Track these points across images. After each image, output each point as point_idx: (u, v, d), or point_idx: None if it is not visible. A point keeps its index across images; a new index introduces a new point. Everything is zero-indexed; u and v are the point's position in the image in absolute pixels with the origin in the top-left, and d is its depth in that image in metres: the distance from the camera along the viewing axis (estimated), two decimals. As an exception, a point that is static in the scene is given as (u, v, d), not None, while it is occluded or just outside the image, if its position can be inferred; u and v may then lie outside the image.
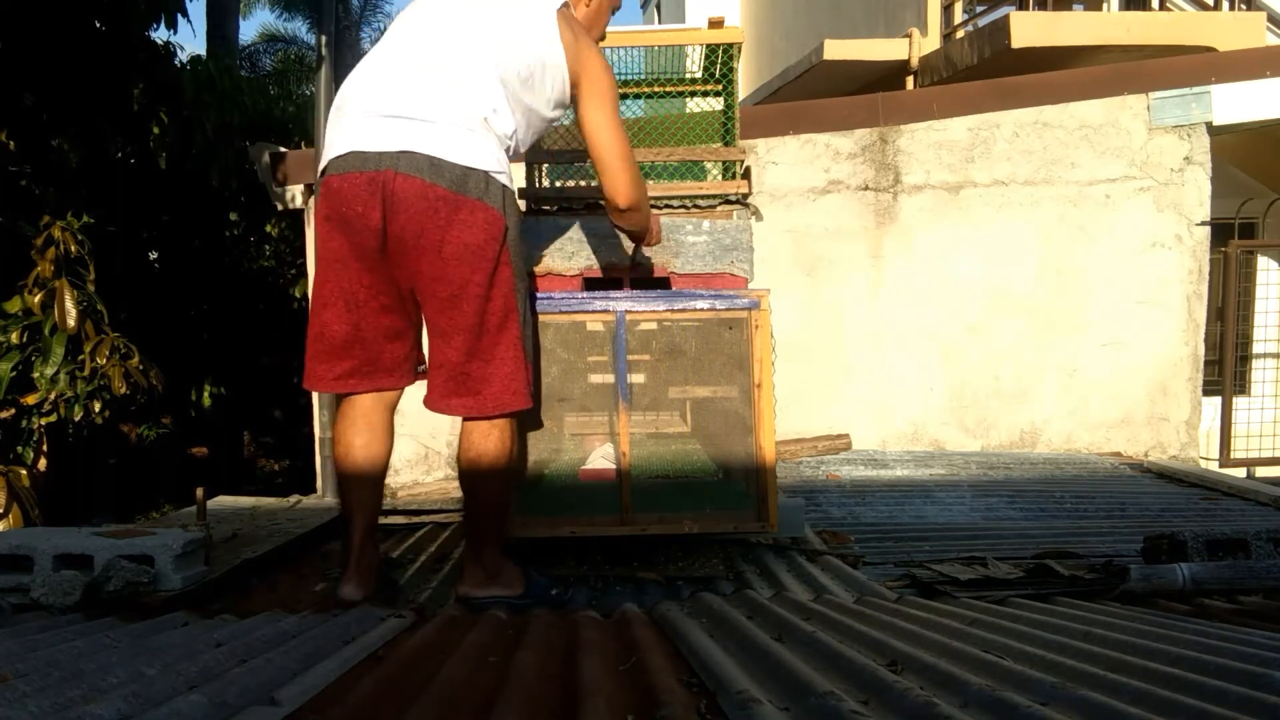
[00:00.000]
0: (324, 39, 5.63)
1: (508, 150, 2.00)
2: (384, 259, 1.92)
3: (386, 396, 2.08)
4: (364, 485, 2.05)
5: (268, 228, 7.46)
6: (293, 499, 3.83)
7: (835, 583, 2.21)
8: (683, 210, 2.62)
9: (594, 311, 2.31)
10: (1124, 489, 3.76)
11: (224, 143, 6.07)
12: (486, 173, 1.90)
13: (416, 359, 2.13)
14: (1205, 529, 2.32)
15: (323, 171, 1.94)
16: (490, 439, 1.98)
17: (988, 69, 6.58)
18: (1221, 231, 5.45)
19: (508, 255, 1.96)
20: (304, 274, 6.19)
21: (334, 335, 1.98)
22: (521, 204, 2.65)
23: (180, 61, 6.14)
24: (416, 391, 2.12)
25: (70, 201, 5.25)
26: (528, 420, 2.31)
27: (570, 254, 2.52)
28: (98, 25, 5.36)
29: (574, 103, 2.06)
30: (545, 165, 2.80)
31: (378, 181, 1.85)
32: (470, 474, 2.01)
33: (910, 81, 7.68)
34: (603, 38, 2.29)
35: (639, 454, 2.36)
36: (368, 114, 1.90)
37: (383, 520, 3.12)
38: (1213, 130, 4.86)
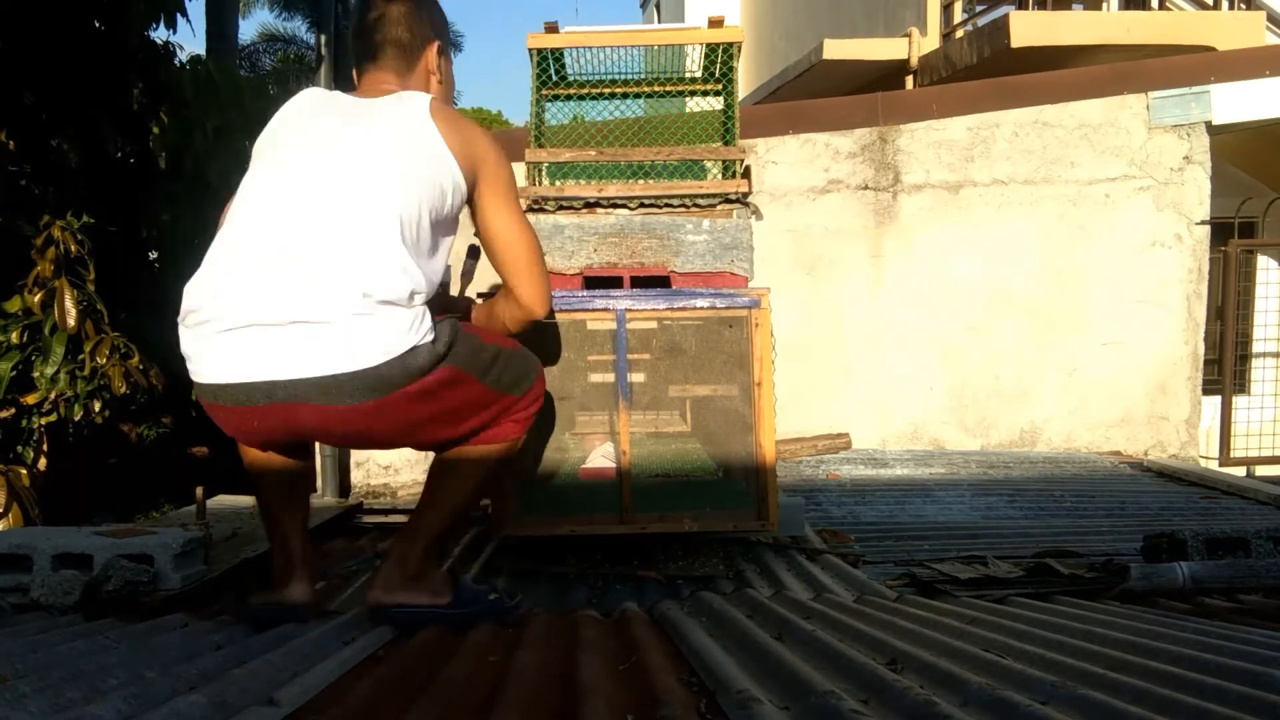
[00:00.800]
0: (324, 39, 5.62)
1: (431, 292, 1.64)
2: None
3: None
4: (286, 485, 1.77)
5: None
6: (293, 499, 3.82)
7: (835, 581, 2.21)
8: (683, 209, 2.62)
9: (594, 310, 2.31)
10: (1124, 488, 3.76)
11: (224, 143, 6.07)
12: (412, 349, 1.54)
13: None
14: (1205, 528, 2.32)
15: (198, 390, 1.60)
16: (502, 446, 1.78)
17: (987, 68, 6.59)
18: (1221, 231, 5.46)
19: (467, 376, 1.65)
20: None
21: None
22: (522, 203, 2.65)
23: (180, 61, 6.13)
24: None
25: (70, 201, 5.25)
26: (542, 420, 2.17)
27: (570, 253, 2.52)
28: (97, 25, 5.36)
29: (472, 200, 1.75)
30: (545, 165, 2.80)
31: (274, 413, 1.54)
32: (463, 464, 1.75)
33: (910, 81, 7.69)
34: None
35: (639, 453, 2.36)
36: (236, 325, 1.51)
37: (383, 520, 3.12)
38: (1212, 129, 4.87)
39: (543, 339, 2.20)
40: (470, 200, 1.74)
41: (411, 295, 1.55)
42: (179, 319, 1.59)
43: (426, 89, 1.80)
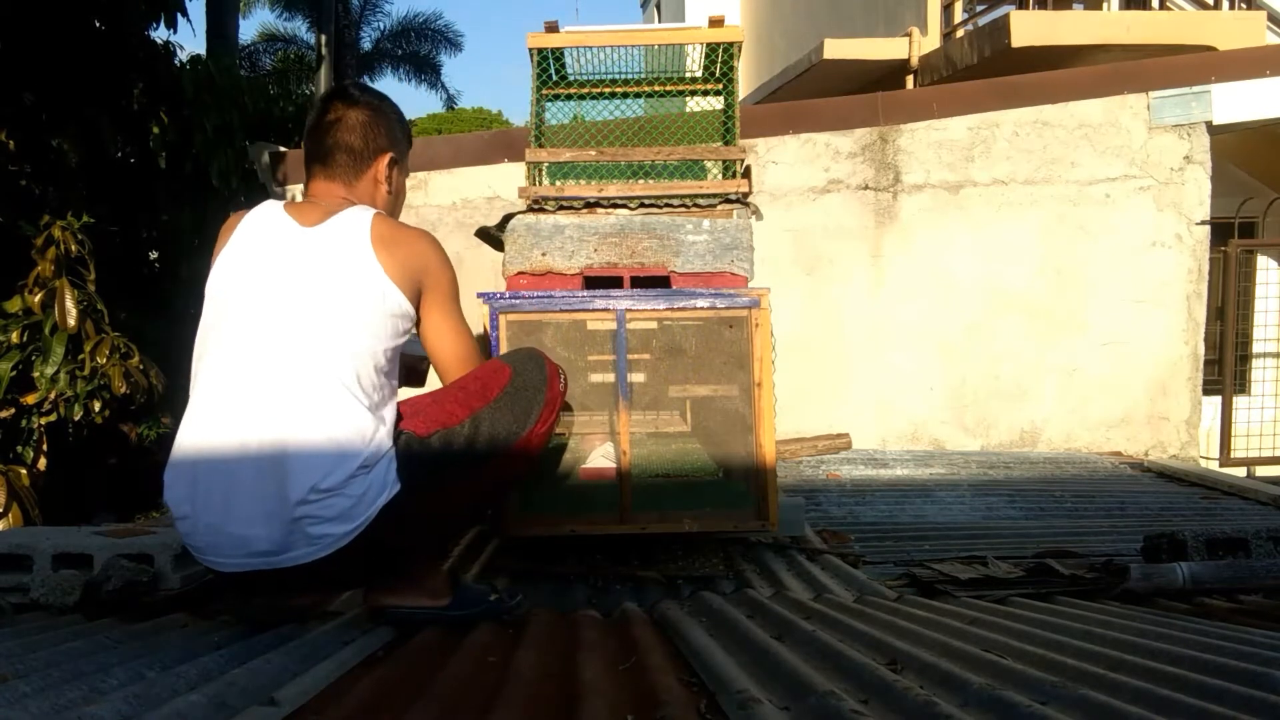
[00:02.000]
0: (324, 39, 5.61)
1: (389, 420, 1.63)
2: None
3: None
4: None
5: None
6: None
7: (835, 582, 2.21)
8: (683, 209, 2.62)
9: (594, 310, 2.31)
10: (1124, 488, 3.76)
11: (224, 142, 6.07)
12: (374, 515, 1.56)
13: None
14: (1205, 528, 2.32)
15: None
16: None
17: (988, 68, 6.59)
18: (1221, 231, 5.46)
19: (447, 479, 1.68)
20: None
21: None
22: (522, 204, 2.65)
23: (180, 61, 6.14)
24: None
25: (70, 201, 5.25)
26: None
27: (570, 253, 2.52)
28: (97, 25, 5.37)
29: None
30: (545, 165, 2.80)
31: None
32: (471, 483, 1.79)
33: (910, 81, 7.70)
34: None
35: (639, 453, 2.35)
36: (214, 524, 1.55)
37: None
38: (1213, 129, 4.87)
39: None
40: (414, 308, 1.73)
41: (371, 461, 1.54)
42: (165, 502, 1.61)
43: (373, 198, 1.78)
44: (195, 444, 1.56)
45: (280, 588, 1.63)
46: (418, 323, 1.74)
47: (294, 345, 1.56)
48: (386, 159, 1.79)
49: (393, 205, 1.85)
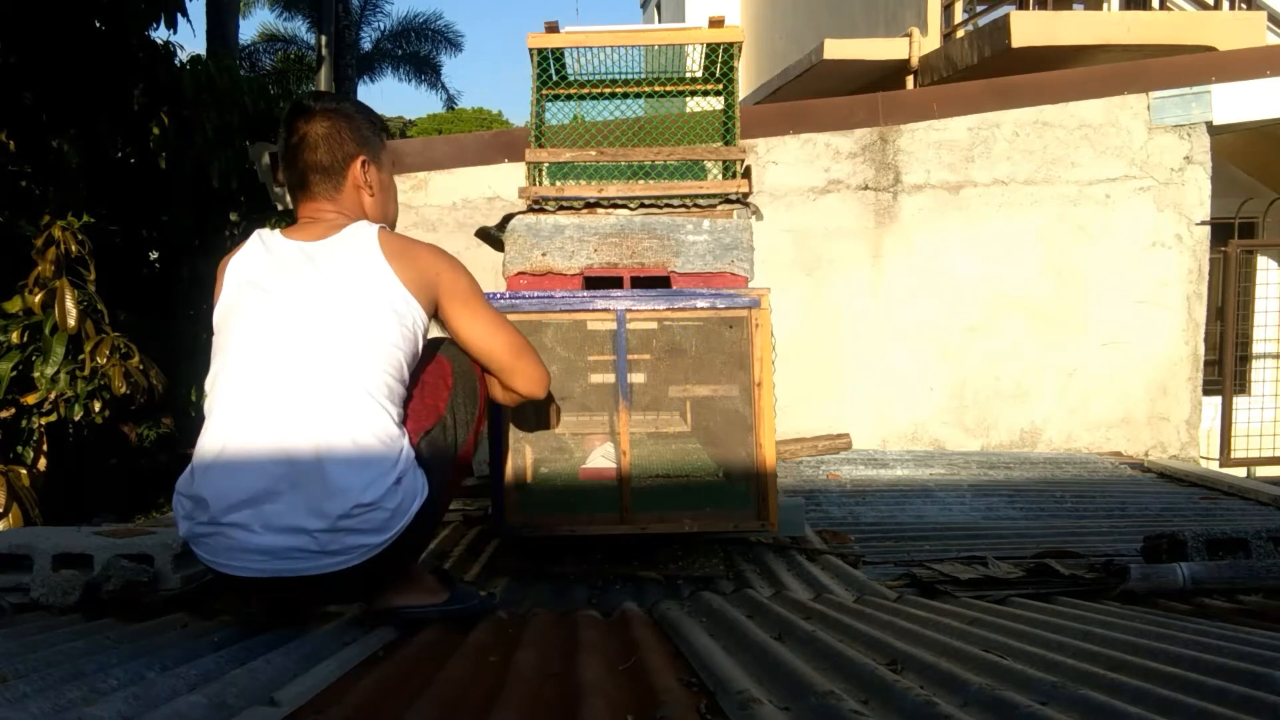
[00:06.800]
0: (324, 39, 5.61)
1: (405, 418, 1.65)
2: None
3: None
4: None
5: (268, 227, 7.46)
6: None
7: (835, 582, 2.21)
8: (683, 210, 2.62)
9: (595, 310, 2.31)
10: (1124, 488, 3.76)
11: (224, 143, 6.07)
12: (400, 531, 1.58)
13: None
14: (1205, 528, 2.32)
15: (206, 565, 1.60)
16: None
17: (988, 68, 6.59)
18: (1221, 231, 5.46)
19: (446, 472, 1.72)
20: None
21: None
22: (522, 204, 2.65)
23: (180, 61, 6.15)
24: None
25: (70, 201, 5.25)
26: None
27: (570, 253, 2.52)
28: (98, 25, 5.37)
29: (440, 316, 1.75)
30: (545, 165, 2.80)
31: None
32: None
33: (910, 81, 7.70)
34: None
35: (639, 453, 2.35)
36: (235, 526, 1.52)
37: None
38: (1213, 130, 4.87)
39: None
40: (438, 316, 1.74)
41: (404, 472, 1.56)
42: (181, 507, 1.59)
43: (360, 206, 1.77)
44: (218, 454, 1.55)
45: (287, 595, 1.63)
46: (447, 328, 1.77)
47: (321, 359, 1.56)
48: (358, 163, 1.76)
49: (383, 204, 1.83)
